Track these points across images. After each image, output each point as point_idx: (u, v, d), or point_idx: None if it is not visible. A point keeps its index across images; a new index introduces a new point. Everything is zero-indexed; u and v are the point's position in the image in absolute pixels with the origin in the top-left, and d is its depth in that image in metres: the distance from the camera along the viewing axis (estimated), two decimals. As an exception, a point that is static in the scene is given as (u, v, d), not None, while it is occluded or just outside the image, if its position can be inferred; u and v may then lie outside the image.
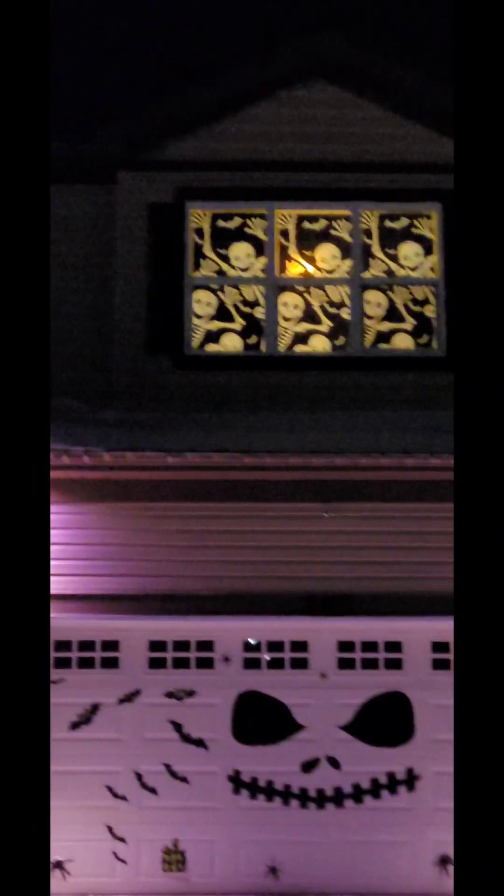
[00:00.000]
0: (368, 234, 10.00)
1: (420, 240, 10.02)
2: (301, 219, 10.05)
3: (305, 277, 10.02)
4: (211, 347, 9.86)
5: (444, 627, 8.94)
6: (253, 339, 9.88)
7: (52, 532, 8.91)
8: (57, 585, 8.81)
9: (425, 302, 9.92)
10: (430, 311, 9.89)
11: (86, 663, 9.05)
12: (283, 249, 10.03)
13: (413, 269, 9.99)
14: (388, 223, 10.03)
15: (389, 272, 9.99)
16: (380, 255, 10.00)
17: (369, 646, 9.09)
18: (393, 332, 9.92)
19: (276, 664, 9.10)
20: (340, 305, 9.93)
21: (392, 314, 9.93)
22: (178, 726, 8.97)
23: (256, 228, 10.01)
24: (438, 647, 9.06)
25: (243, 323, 9.91)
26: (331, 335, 9.92)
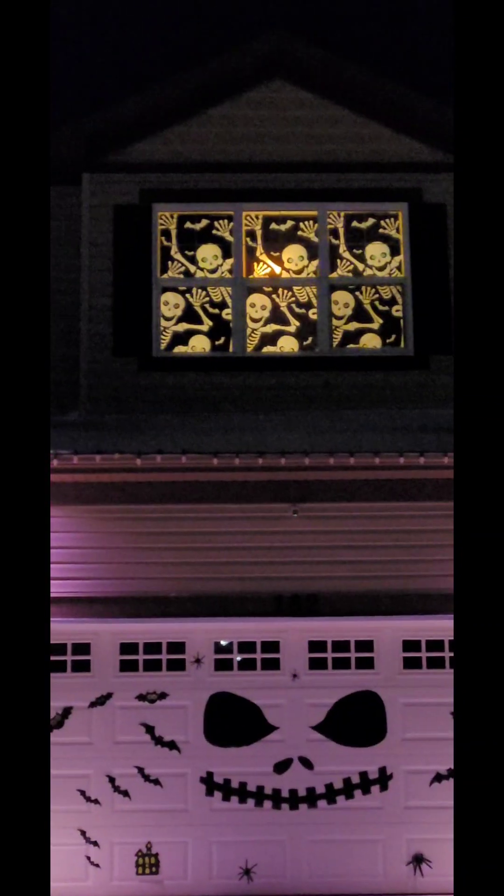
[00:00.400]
0: (335, 234, 10.03)
1: (387, 239, 10.05)
2: (268, 220, 10.07)
3: (273, 278, 10.03)
4: (179, 349, 9.85)
5: (414, 626, 8.98)
6: (221, 341, 9.87)
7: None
8: None
9: (392, 301, 9.95)
10: (397, 311, 9.92)
11: (57, 666, 9.01)
12: (251, 250, 10.04)
13: (380, 269, 10.02)
14: (354, 223, 10.06)
15: (356, 272, 10.01)
16: (347, 255, 10.03)
17: (340, 645, 9.10)
18: (361, 331, 9.94)
19: (247, 665, 9.09)
20: (308, 306, 9.95)
21: (360, 314, 9.96)
22: (150, 729, 8.94)
23: (223, 230, 10.02)
24: (409, 645, 9.08)
25: (211, 324, 9.91)
26: (299, 336, 9.93)
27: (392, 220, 10.02)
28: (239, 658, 9.10)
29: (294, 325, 9.94)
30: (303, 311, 9.95)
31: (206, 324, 9.91)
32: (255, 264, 10.06)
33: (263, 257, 10.06)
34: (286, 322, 9.95)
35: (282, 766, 8.90)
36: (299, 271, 10.03)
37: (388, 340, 9.91)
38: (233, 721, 9.00)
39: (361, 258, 10.02)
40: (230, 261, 9.95)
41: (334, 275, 9.97)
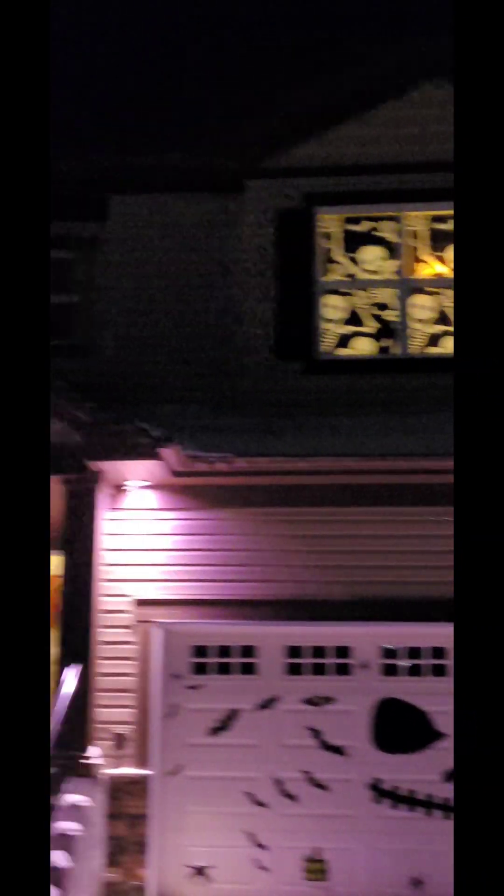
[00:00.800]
0: (501, 231, 9.81)
1: None
2: (432, 220, 9.93)
3: (438, 278, 9.88)
4: (341, 351, 9.81)
5: None
6: (385, 342, 9.79)
7: (189, 538, 8.99)
8: (193, 591, 8.89)
9: None
10: None
11: (224, 669, 9.07)
12: (415, 251, 9.92)
13: (549, 266, 9.74)
14: (521, 220, 9.82)
15: (524, 270, 9.76)
16: (514, 252, 9.79)
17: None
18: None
19: (414, 671, 8.95)
20: (474, 305, 9.75)
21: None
22: (316, 733, 8.90)
23: (386, 231, 9.94)
24: None
25: (376, 326, 9.83)
26: (465, 336, 9.74)
27: None
28: (406, 663, 8.96)
29: (459, 325, 9.76)
30: (468, 310, 9.77)
31: (370, 325, 9.84)
32: (420, 265, 9.93)
33: (428, 258, 9.93)
34: (451, 323, 9.78)
35: (452, 775, 8.71)
36: (464, 270, 9.85)
37: None
38: (400, 727, 8.86)
39: (529, 255, 9.77)
40: (394, 262, 9.86)
41: (501, 273, 9.75)
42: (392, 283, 9.83)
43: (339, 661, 8.99)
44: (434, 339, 9.78)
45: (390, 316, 9.80)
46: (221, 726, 8.97)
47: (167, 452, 8.55)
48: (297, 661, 9.03)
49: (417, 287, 9.84)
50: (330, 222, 9.97)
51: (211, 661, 9.09)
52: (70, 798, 7.88)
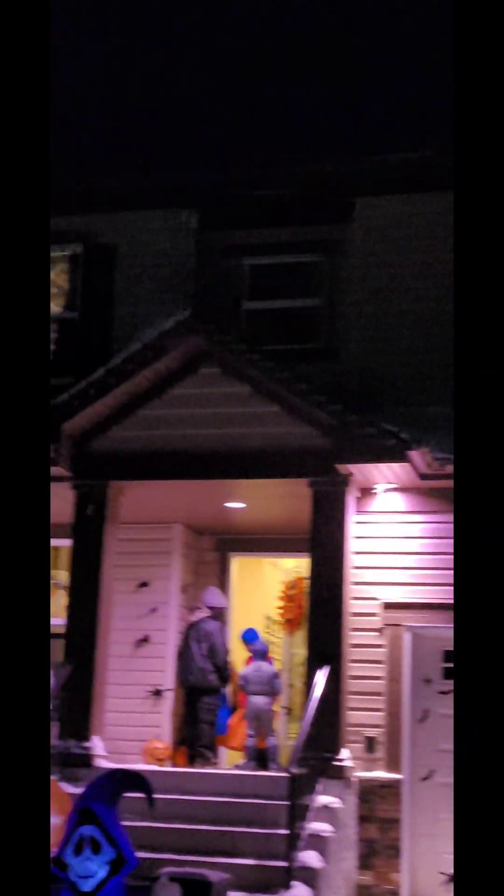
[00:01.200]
0: None
1: None
2: None
3: None
4: None
5: None
6: None
7: (437, 541, 8.89)
8: (441, 595, 8.76)
9: None
10: None
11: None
12: None
13: None
14: None
15: None
16: None
17: None
18: None
19: None
20: None
21: None
22: None
23: None
24: None
25: None
26: None
27: None
28: None
29: None
30: None
31: None
32: None
33: None
34: None
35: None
36: None
37: None
38: None
39: None
40: None
41: None
42: None
43: None
44: None
45: None
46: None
47: (415, 455, 8.47)
48: None
49: None
50: None
51: (461, 666, 8.93)
52: (322, 799, 7.95)
